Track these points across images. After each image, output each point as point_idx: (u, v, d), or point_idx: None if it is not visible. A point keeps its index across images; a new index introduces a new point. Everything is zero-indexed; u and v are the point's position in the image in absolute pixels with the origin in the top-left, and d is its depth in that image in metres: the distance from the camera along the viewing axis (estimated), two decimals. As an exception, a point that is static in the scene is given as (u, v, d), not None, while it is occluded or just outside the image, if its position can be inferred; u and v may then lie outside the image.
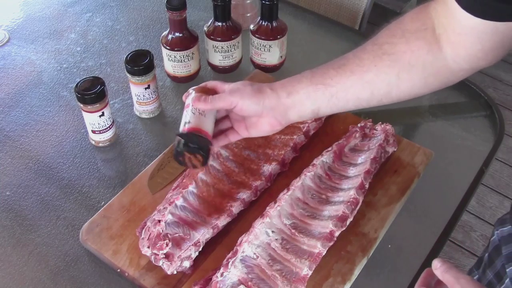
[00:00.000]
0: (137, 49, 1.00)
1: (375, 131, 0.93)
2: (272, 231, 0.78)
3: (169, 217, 0.80)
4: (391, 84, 0.71)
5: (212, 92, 0.79)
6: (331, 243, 0.77)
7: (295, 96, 0.74)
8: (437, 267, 0.62)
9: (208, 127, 0.76)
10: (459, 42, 0.66)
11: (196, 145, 0.74)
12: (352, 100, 0.74)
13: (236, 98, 0.74)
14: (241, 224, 0.84)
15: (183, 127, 0.75)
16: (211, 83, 0.80)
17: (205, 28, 1.09)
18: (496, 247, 0.79)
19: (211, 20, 1.08)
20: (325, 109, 0.75)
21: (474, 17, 0.61)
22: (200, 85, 0.80)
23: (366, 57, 0.72)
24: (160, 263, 0.76)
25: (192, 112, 0.76)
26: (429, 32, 0.68)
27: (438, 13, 0.67)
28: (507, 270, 0.74)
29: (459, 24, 0.64)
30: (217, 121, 0.80)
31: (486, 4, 0.59)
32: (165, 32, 1.07)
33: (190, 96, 0.77)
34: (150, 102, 1.02)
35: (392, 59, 0.70)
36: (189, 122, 0.75)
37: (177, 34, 1.05)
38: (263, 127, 0.77)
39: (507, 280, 0.75)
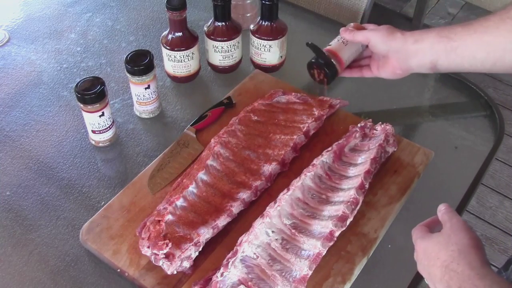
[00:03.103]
0: (137, 49, 1.00)
1: (375, 131, 0.93)
2: (272, 231, 0.78)
3: (169, 217, 0.80)
4: (507, 49, 0.74)
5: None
6: (331, 243, 0.77)
7: (420, 44, 0.82)
8: (441, 209, 0.67)
9: (344, 54, 0.92)
10: None
11: (324, 62, 0.90)
12: (467, 58, 0.78)
13: (370, 35, 0.87)
14: (241, 224, 0.84)
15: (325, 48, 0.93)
16: (366, 25, 0.92)
17: (205, 28, 1.09)
18: None
19: (211, 20, 1.08)
20: (443, 63, 0.80)
21: None
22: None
23: (492, 19, 0.76)
24: (160, 263, 0.76)
25: (337, 39, 0.94)
26: None
27: None
28: None
29: None
30: (361, 58, 0.96)
31: None
32: (165, 32, 1.07)
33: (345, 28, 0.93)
34: (150, 102, 1.02)
35: None
36: (330, 45, 0.94)
37: (177, 34, 1.05)
38: (388, 69, 0.88)
39: None
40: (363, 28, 0.92)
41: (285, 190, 0.83)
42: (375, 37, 0.87)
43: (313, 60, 0.92)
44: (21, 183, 0.93)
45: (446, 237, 0.62)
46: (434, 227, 0.68)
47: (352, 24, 0.95)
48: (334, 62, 0.91)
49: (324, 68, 0.90)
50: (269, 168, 0.89)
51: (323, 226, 0.78)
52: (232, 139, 0.93)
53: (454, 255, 0.60)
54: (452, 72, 0.86)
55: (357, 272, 0.79)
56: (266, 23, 1.07)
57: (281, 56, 1.12)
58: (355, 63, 0.96)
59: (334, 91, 1.07)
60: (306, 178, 0.84)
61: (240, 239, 0.77)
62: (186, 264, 0.77)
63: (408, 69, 0.87)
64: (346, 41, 0.93)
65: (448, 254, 0.60)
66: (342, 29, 0.92)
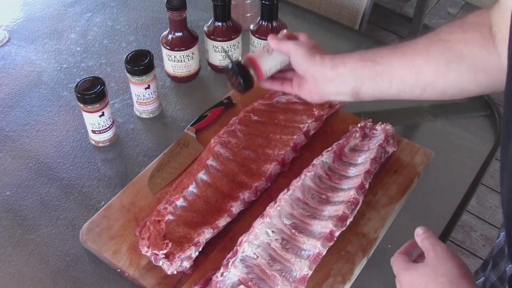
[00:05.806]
0: (137, 49, 1.00)
1: (375, 131, 0.93)
2: (272, 231, 0.78)
3: (169, 217, 0.80)
4: (439, 73, 0.70)
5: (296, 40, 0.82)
6: (331, 243, 0.77)
7: (340, 69, 0.74)
8: (419, 234, 0.63)
9: (265, 64, 0.80)
10: None
11: (241, 71, 0.79)
12: (396, 83, 0.73)
13: (291, 49, 0.77)
14: (241, 224, 0.84)
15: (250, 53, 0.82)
16: (299, 34, 0.83)
17: (205, 28, 1.09)
18: (502, 249, 0.79)
19: (211, 20, 1.08)
20: (367, 89, 0.74)
21: None
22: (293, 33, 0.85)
23: (421, 42, 0.71)
24: (160, 263, 0.76)
25: (263, 46, 0.82)
26: (486, 28, 0.68)
27: (494, 12, 0.68)
28: (507, 268, 0.74)
29: None
30: (287, 70, 0.83)
31: None
32: (165, 32, 1.07)
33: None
34: (150, 102, 1.02)
35: (446, 46, 0.69)
36: (253, 52, 0.86)
37: (177, 34, 1.05)
38: (305, 90, 0.79)
39: None
40: (295, 38, 0.82)
41: (285, 190, 0.83)
42: (295, 54, 0.77)
43: (229, 67, 0.80)
44: (21, 183, 0.93)
45: (433, 268, 0.59)
46: (413, 251, 0.66)
47: (285, 31, 0.84)
48: (250, 71, 0.79)
49: (238, 77, 0.79)
50: (269, 168, 0.89)
51: (323, 226, 0.78)
52: (232, 139, 0.93)
53: (445, 287, 0.58)
54: (376, 100, 0.77)
55: (357, 272, 0.79)
56: (266, 23, 1.07)
57: (281, 56, 1.12)
58: (280, 74, 0.84)
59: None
60: (306, 178, 0.84)
61: (240, 239, 0.77)
62: (186, 264, 0.77)
63: (325, 96, 0.78)
64: (271, 50, 0.81)
65: (438, 287, 0.58)
66: (269, 36, 0.80)
